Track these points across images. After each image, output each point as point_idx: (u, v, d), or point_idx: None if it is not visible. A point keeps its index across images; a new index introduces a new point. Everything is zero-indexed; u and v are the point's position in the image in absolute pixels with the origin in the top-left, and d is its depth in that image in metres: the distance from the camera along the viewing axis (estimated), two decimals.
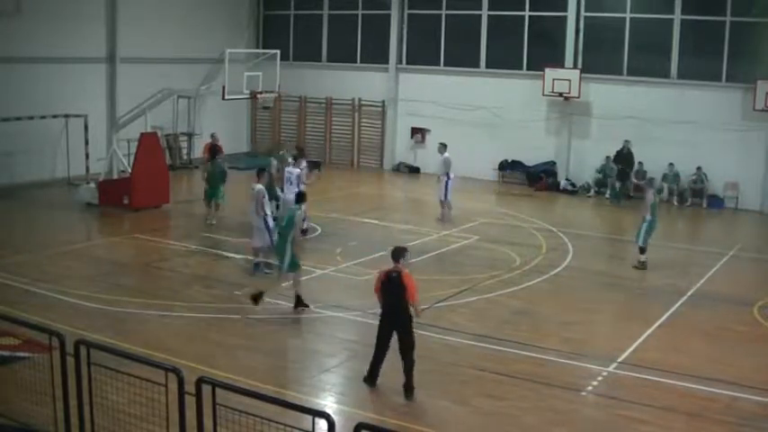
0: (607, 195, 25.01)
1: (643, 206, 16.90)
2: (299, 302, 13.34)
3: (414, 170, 29.08)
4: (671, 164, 24.32)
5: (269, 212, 15.59)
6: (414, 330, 10.14)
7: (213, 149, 22.41)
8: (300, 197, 14.20)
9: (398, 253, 10.29)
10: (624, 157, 24.60)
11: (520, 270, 16.29)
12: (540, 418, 9.65)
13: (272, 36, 31.28)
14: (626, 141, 24.52)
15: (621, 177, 24.56)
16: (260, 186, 15.54)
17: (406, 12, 29.05)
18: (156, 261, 16.38)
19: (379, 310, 10.33)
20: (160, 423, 7.44)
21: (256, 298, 13.22)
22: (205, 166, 20.58)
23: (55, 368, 7.75)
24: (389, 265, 9.93)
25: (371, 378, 10.40)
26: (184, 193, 24.56)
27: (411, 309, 10.10)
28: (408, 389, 10.07)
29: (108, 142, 23.67)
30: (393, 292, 10.10)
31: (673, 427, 9.49)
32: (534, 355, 11.66)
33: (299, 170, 18.04)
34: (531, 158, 26.93)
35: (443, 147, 20.74)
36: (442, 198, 20.60)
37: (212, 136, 23.23)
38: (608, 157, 24.93)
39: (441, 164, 20.62)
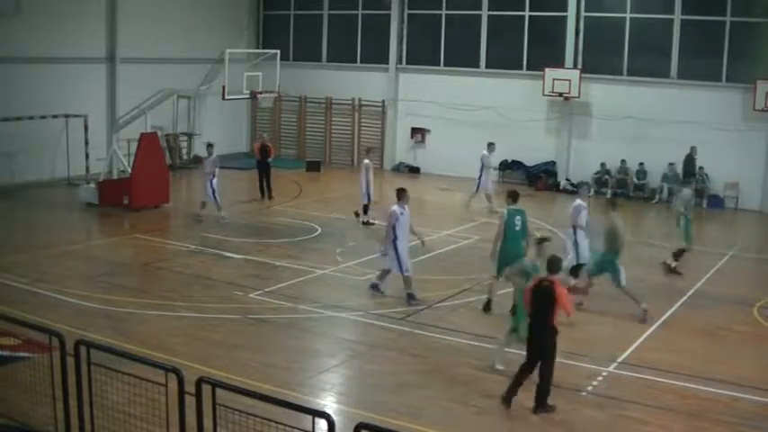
0: (608, 195, 24.98)
1: None
2: (488, 306, 13.26)
3: (414, 170, 29.07)
4: (671, 164, 24.34)
5: (399, 235, 13.75)
6: (555, 354, 9.58)
7: (263, 150, 22.50)
8: (515, 196, 13.58)
9: (555, 264, 9.69)
10: (693, 164, 23.42)
11: None
12: (540, 418, 9.64)
13: (272, 36, 31.28)
14: (692, 148, 23.26)
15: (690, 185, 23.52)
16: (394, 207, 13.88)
17: (406, 12, 29.05)
18: (156, 261, 16.38)
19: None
20: (160, 423, 7.44)
21: (486, 307, 13.24)
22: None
23: (55, 368, 7.75)
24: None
25: (514, 389, 9.76)
26: (184, 193, 24.57)
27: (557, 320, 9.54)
28: (538, 407, 9.63)
29: (108, 142, 23.69)
30: (539, 303, 9.45)
31: (673, 427, 9.48)
32: None
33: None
34: (530, 158, 26.94)
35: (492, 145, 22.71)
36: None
37: (262, 136, 23.63)
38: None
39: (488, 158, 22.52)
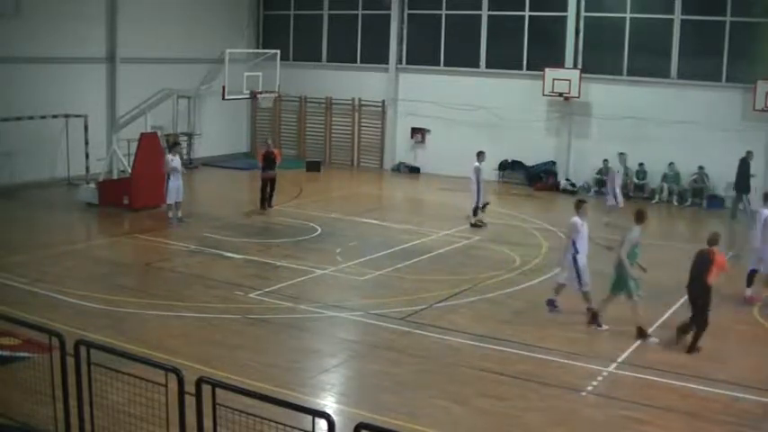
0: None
1: None
2: (642, 333, 12.36)
3: (414, 170, 29.07)
4: (671, 164, 24.35)
5: (580, 249, 13.15)
6: (707, 311, 11.74)
7: (268, 157, 21.57)
8: (642, 216, 12.55)
9: (714, 238, 11.90)
10: (748, 172, 22.32)
11: (520, 270, 16.28)
12: (540, 418, 9.65)
13: (272, 36, 31.28)
14: (748, 152, 22.28)
15: (745, 189, 22.26)
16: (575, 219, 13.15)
17: (406, 12, 29.05)
18: (156, 261, 16.38)
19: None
20: (160, 423, 7.44)
21: (641, 334, 12.42)
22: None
23: (55, 368, 7.75)
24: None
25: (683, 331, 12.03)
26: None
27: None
28: (690, 349, 11.79)
29: (108, 142, 23.69)
30: (699, 267, 11.66)
31: (673, 427, 9.48)
32: (534, 355, 11.66)
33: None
34: (530, 158, 26.94)
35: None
36: None
37: (266, 142, 22.72)
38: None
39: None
